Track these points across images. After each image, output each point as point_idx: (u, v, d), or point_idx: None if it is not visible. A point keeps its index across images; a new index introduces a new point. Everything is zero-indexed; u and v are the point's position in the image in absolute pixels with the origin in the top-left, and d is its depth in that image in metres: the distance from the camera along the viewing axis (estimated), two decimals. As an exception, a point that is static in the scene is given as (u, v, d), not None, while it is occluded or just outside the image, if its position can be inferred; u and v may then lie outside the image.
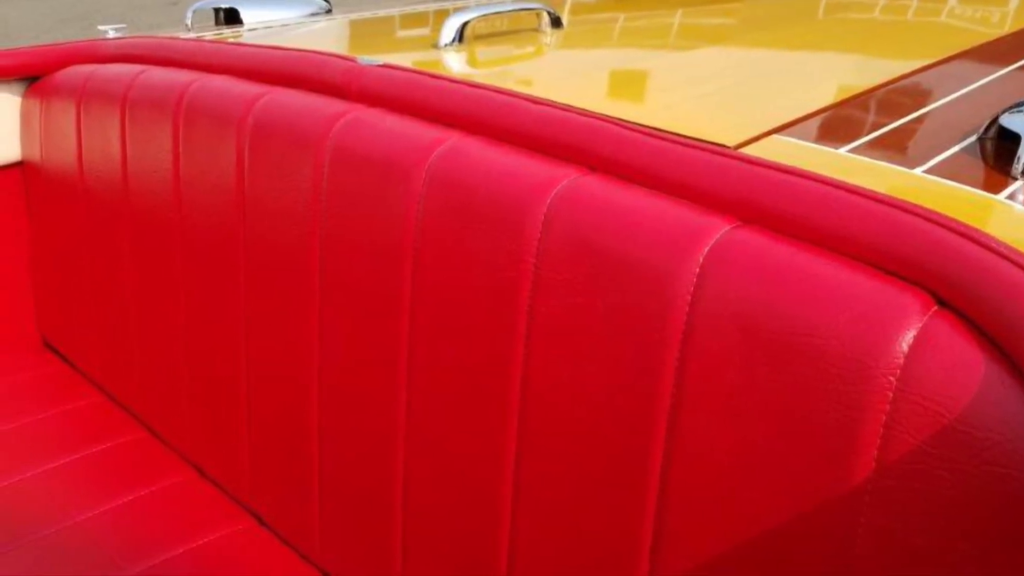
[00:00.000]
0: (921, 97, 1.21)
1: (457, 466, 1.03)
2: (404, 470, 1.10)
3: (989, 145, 1.02)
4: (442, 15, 1.81)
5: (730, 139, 0.97)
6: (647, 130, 0.95)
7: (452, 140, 1.05)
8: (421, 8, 2.06)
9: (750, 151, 0.95)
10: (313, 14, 1.98)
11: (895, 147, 1.00)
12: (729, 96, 1.15)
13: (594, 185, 0.92)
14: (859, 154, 0.97)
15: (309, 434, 1.23)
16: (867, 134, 1.03)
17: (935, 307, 0.71)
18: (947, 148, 1.00)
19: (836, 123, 1.07)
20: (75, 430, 1.59)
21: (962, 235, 0.73)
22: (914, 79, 1.30)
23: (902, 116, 1.11)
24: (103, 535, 1.33)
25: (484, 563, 1.02)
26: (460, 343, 1.00)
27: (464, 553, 1.04)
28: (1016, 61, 1.46)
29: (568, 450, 0.91)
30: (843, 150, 0.98)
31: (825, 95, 1.17)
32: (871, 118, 1.09)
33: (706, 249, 0.81)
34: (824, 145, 0.99)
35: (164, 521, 1.37)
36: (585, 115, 1.00)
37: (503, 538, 0.99)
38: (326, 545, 1.24)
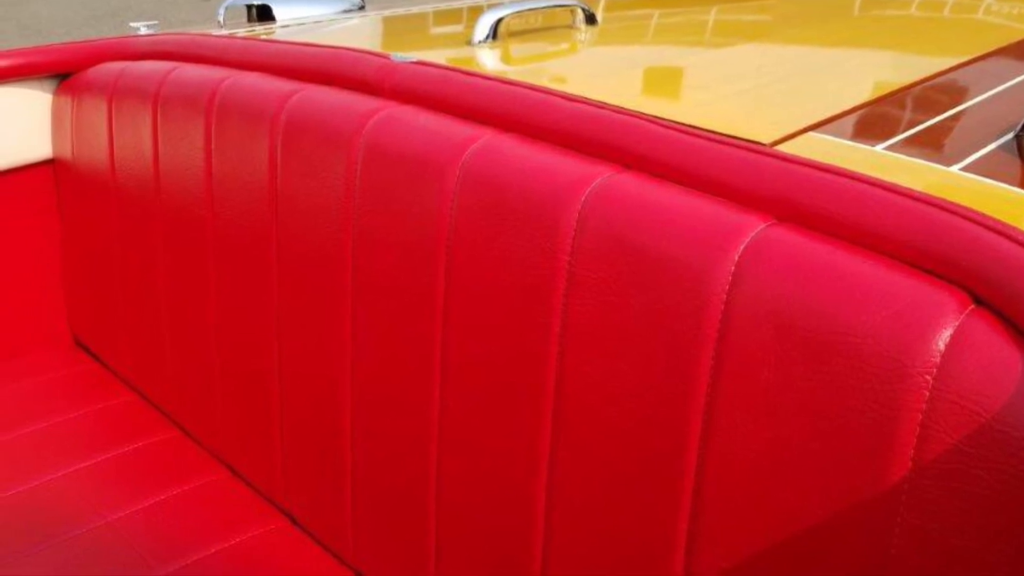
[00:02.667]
0: (957, 94, 1.20)
1: (490, 465, 1.03)
2: (437, 469, 1.10)
3: None
4: (476, 12, 1.81)
5: (766, 136, 0.97)
6: (682, 127, 0.95)
7: (486, 137, 1.05)
8: (455, 5, 2.06)
9: (786, 148, 0.94)
10: (346, 11, 1.98)
11: (931, 144, 0.99)
12: (764, 93, 1.14)
13: (629, 183, 0.92)
14: (895, 151, 0.96)
15: (342, 433, 1.23)
16: (903, 131, 1.03)
17: (972, 306, 0.71)
18: (984, 145, 0.99)
19: (872, 120, 1.06)
20: (107, 429, 1.60)
21: (999, 233, 0.72)
22: (950, 76, 1.29)
23: (938, 113, 1.11)
24: (135, 534, 1.34)
25: (518, 563, 1.02)
26: (494, 341, 1.00)
27: (498, 552, 1.04)
28: None
29: (602, 448, 0.91)
30: (879, 147, 0.97)
31: (861, 92, 1.16)
32: (907, 115, 1.09)
33: (741, 247, 0.81)
34: (860, 142, 0.98)
35: (196, 521, 1.37)
36: (620, 112, 0.99)
37: (537, 537, 0.99)
38: (359, 545, 1.24)
